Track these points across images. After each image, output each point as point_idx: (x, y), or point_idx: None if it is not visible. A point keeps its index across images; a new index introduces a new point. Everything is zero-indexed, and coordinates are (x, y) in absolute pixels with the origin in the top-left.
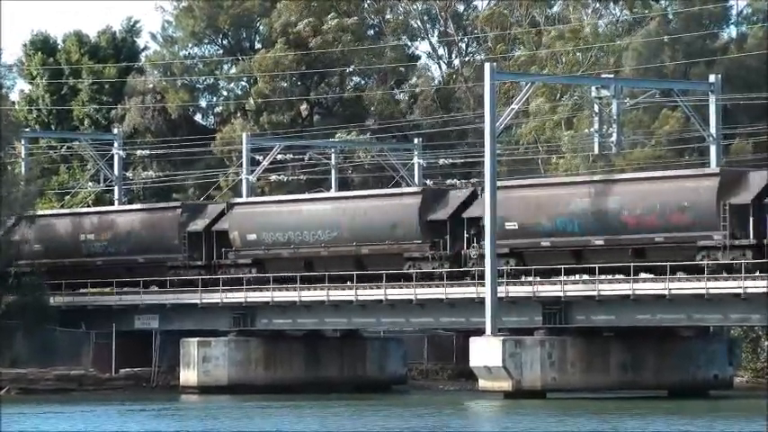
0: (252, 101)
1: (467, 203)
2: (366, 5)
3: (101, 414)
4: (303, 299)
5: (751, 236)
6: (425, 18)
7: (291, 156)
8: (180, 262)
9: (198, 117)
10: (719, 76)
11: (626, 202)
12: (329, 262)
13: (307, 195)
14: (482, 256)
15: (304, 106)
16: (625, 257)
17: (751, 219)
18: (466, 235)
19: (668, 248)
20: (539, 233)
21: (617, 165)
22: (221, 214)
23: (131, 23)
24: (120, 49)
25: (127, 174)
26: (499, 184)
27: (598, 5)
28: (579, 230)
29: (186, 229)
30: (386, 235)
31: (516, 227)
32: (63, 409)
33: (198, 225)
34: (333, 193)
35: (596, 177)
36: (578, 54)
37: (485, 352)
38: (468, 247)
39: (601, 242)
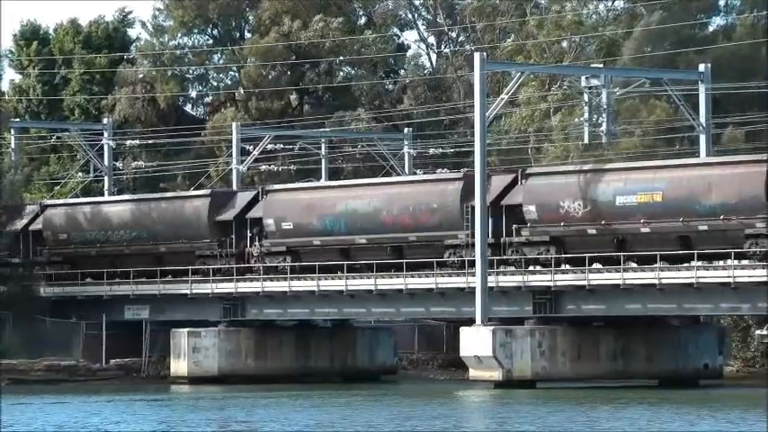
0: (242, 90)
1: (251, 205)
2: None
3: (107, 406)
4: (293, 289)
5: (489, 234)
6: (413, 7)
7: (282, 145)
8: (1, 259)
9: (188, 107)
10: (709, 65)
11: (384, 203)
12: (131, 259)
13: (111, 198)
14: (263, 254)
15: (294, 96)
16: (384, 255)
17: (490, 219)
18: (249, 234)
19: (421, 246)
20: (311, 232)
21: (608, 154)
22: (36, 215)
23: (123, 14)
24: (112, 39)
25: (117, 164)
26: (276, 187)
27: None
28: (345, 230)
29: (6, 229)
30: (180, 234)
31: (292, 227)
32: (64, 400)
33: (17, 225)
34: (132, 195)
35: (353, 182)
36: (564, 44)
37: (475, 342)
38: (250, 246)
39: (364, 241)
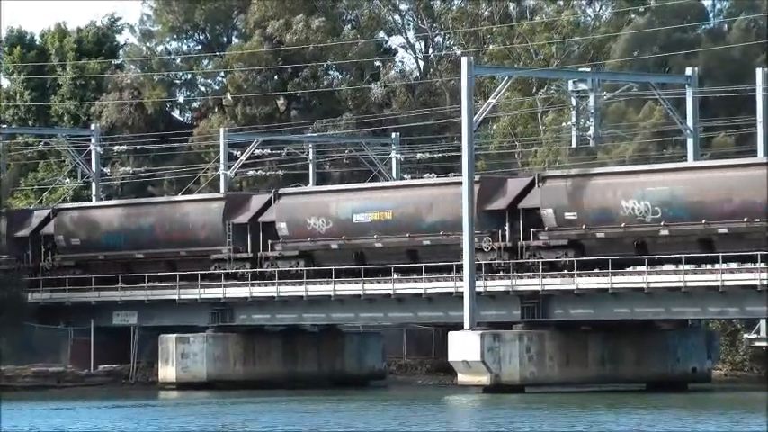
0: (229, 96)
1: (45, 222)
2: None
3: (106, 412)
4: (281, 294)
5: (249, 249)
6: (399, 11)
7: (269, 151)
8: None
9: (175, 113)
10: (696, 69)
11: (158, 221)
12: None
13: None
14: (55, 267)
15: (281, 101)
16: (161, 269)
17: (249, 236)
18: (43, 249)
19: (191, 260)
20: (97, 248)
21: (602, 158)
22: None
23: (112, 20)
24: (102, 44)
25: (104, 170)
26: (66, 206)
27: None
28: (125, 245)
29: None
30: None
31: (79, 243)
32: (58, 406)
33: None
34: None
35: (132, 201)
36: (553, 47)
37: (463, 346)
38: (44, 260)
39: (141, 256)
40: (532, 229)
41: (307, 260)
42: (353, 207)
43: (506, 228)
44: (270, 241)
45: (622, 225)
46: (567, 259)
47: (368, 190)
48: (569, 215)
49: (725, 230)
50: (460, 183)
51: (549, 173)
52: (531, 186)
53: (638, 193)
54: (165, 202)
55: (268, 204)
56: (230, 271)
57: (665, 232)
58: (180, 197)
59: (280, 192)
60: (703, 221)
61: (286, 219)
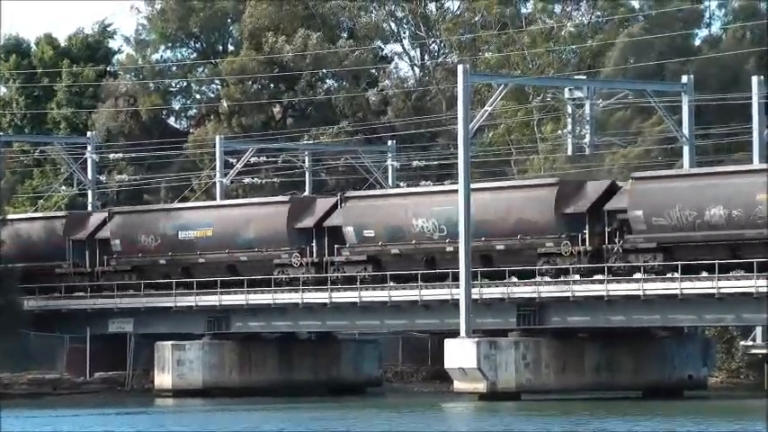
0: (224, 104)
1: None
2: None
3: (110, 418)
4: (277, 301)
5: (87, 264)
6: (396, 19)
7: (265, 158)
8: None
9: (171, 120)
10: (692, 76)
11: (8, 237)
12: None
13: None
14: None
15: (277, 109)
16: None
17: (87, 251)
18: None
19: (37, 274)
20: None
21: (597, 166)
22: None
23: (103, 26)
24: (93, 50)
25: (100, 177)
26: None
27: (568, 9)
28: None
29: None
30: None
31: None
32: (63, 414)
33: None
34: None
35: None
36: (551, 55)
37: (459, 354)
38: None
39: None
40: (336, 246)
41: (139, 274)
42: (179, 225)
43: (314, 244)
44: (106, 257)
45: (413, 242)
46: (366, 273)
47: (191, 209)
48: (367, 233)
49: (502, 247)
50: (275, 203)
51: (351, 193)
52: (335, 206)
53: (426, 212)
54: (15, 220)
55: (104, 222)
56: (70, 284)
57: (450, 248)
58: (26, 215)
59: (114, 210)
60: (483, 239)
61: (120, 235)
